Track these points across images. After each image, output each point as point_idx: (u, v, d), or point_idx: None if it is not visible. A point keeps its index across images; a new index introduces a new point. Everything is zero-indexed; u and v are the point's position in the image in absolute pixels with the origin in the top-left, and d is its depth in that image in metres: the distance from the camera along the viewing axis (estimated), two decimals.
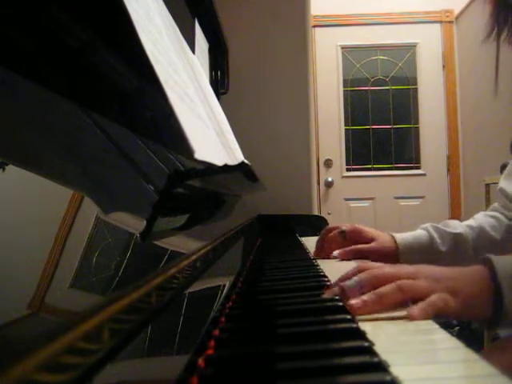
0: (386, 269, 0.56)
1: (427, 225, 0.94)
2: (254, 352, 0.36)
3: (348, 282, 0.53)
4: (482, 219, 0.95)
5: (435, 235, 0.91)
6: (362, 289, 0.52)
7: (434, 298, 0.50)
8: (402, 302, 0.50)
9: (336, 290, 0.53)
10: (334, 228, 0.96)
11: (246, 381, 0.31)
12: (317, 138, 3.12)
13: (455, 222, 0.94)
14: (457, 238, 0.90)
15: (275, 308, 0.49)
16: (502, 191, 0.96)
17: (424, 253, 0.91)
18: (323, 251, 0.93)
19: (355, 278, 0.53)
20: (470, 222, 0.95)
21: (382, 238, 0.91)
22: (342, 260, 0.88)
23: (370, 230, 0.92)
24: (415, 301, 0.50)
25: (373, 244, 0.90)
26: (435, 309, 0.49)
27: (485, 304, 0.54)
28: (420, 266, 0.58)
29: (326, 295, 0.53)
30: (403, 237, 0.92)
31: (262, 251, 1.06)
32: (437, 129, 3.24)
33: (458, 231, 0.91)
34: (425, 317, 0.48)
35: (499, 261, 0.55)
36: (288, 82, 1.70)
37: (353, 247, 0.89)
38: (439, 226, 0.93)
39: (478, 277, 0.55)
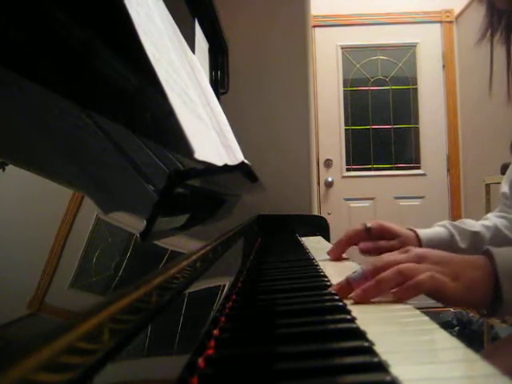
0: (391, 256, 0.58)
1: (445, 222, 0.93)
2: (254, 352, 0.36)
3: (353, 274, 0.55)
4: (494, 219, 0.94)
5: (454, 232, 0.90)
6: (366, 280, 0.53)
7: (422, 276, 0.52)
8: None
9: (343, 282, 0.55)
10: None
11: (246, 381, 0.31)
12: (317, 138, 3.12)
13: (471, 221, 0.93)
14: (475, 237, 0.90)
15: (275, 308, 0.49)
16: (505, 195, 0.96)
17: (445, 249, 0.90)
18: (342, 245, 0.89)
19: (359, 270, 0.55)
20: (484, 221, 0.94)
21: (405, 235, 0.90)
22: (363, 253, 0.89)
23: (393, 227, 0.91)
24: None
25: (394, 242, 0.89)
26: (421, 288, 0.51)
27: (484, 292, 0.55)
28: (428, 249, 0.60)
29: (331, 289, 0.54)
30: (425, 232, 0.91)
31: (261, 251, 1.06)
32: (437, 129, 3.24)
33: (475, 229, 0.90)
34: (408, 296, 0.50)
35: (499, 253, 0.57)
36: (288, 82, 1.70)
37: (375, 243, 0.89)
38: (456, 223, 0.92)
39: (481, 264, 0.57)
